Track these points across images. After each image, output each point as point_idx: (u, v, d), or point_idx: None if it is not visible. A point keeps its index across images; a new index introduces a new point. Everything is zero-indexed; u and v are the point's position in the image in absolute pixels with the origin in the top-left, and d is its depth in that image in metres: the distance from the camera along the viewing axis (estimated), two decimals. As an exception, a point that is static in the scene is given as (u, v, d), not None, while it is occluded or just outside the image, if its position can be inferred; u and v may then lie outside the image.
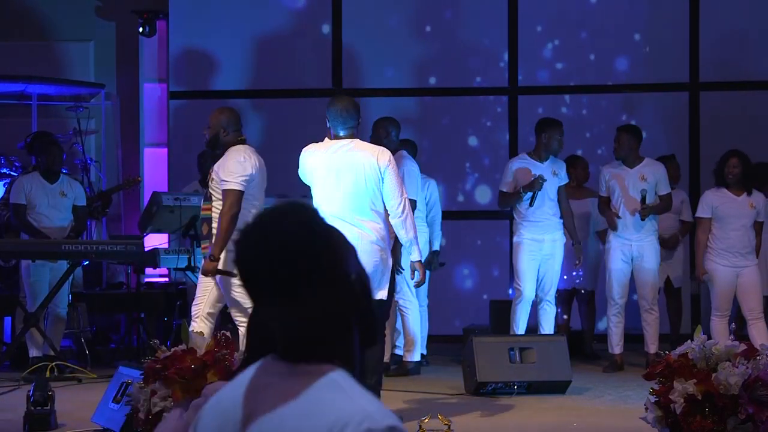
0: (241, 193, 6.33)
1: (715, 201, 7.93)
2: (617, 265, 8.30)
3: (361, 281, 1.88)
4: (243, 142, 6.57)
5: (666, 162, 8.69)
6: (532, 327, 8.17)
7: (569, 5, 10.66)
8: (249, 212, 6.46)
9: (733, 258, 7.88)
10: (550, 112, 9.79)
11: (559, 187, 8.08)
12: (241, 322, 6.40)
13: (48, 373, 7.41)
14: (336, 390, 1.77)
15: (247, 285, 1.86)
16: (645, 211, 8.17)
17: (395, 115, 8.43)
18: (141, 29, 11.01)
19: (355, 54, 10.77)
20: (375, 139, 8.11)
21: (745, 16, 10.40)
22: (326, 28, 10.78)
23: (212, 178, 6.46)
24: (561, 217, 8.09)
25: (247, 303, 6.30)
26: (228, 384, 1.94)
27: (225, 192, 6.31)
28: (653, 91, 10.52)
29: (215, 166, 6.44)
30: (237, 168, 6.31)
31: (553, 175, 8.04)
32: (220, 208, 6.34)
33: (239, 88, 10.90)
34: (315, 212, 1.87)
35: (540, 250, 7.99)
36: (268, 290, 1.82)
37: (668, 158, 8.99)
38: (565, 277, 8.66)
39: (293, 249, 1.81)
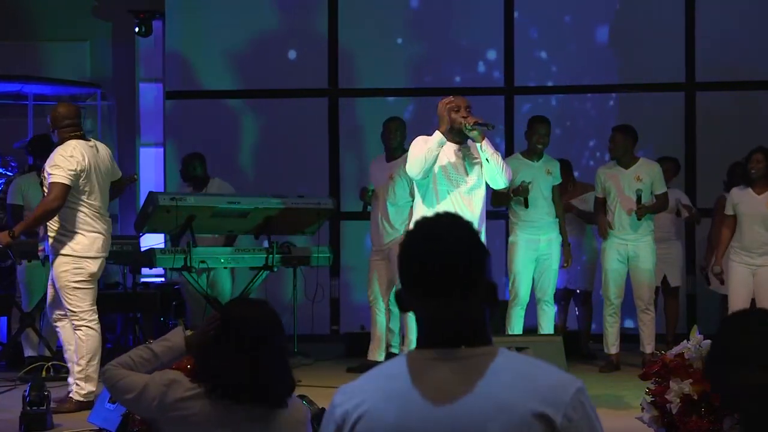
0: (67, 187, 6.34)
1: (736, 198, 7.84)
2: (613, 265, 8.29)
3: None
4: (78, 137, 6.54)
5: (664, 163, 8.70)
6: (532, 328, 8.15)
7: (564, 5, 10.66)
8: (78, 210, 6.44)
9: (747, 257, 7.79)
10: (546, 112, 9.77)
11: (553, 187, 8.07)
12: (64, 323, 6.60)
13: (44, 373, 7.41)
14: (530, 361, 2.04)
15: (425, 279, 2.04)
16: (641, 210, 8.17)
17: (392, 115, 8.45)
18: (137, 29, 10.99)
19: (351, 54, 10.76)
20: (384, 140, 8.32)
21: (742, 16, 10.40)
22: (322, 28, 10.77)
23: (44, 177, 6.47)
24: (556, 217, 8.07)
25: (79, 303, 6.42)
26: (370, 379, 2.09)
27: (51, 185, 6.33)
28: (650, 91, 10.52)
29: (46, 163, 6.49)
30: (63, 162, 6.35)
31: (547, 174, 8.01)
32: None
33: (235, 88, 10.90)
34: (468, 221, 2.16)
35: (536, 251, 7.95)
36: (449, 285, 2.03)
37: (663, 160, 8.96)
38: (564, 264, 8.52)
39: (472, 248, 2.08)
